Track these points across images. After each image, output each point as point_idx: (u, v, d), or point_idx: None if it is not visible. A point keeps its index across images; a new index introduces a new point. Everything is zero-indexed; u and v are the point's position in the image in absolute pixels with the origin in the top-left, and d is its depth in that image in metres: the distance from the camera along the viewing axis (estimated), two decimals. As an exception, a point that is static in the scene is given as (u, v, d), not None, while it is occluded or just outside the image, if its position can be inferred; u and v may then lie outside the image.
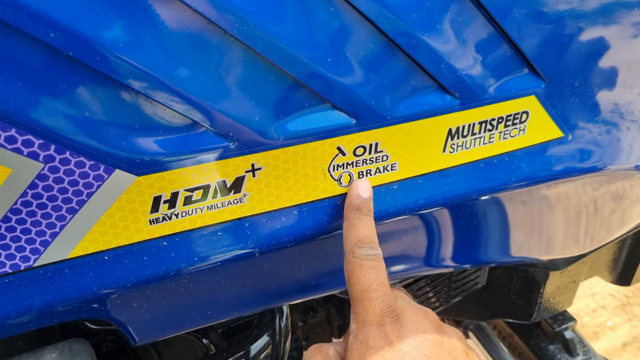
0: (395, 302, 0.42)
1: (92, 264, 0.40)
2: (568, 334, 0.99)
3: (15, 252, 0.37)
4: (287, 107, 0.41)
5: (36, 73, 0.32)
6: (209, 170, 0.40)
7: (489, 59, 0.46)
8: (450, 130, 0.48)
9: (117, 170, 0.37)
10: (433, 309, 0.84)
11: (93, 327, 0.61)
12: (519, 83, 0.49)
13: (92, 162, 0.36)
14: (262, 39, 0.37)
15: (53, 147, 0.34)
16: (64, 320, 0.42)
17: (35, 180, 0.35)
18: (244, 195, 0.43)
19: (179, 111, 0.37)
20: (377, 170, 0.47)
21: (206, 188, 0.41)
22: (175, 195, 0.40)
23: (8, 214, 0.35)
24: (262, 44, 0.37)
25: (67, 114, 0.34)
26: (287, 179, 0.44)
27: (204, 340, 0.74)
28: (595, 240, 0.73)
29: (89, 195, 0.37)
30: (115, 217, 0.39)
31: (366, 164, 0.46)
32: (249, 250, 0.45)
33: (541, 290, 0.82)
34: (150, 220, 0.40)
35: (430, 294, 0.82)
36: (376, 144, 0.45)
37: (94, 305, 0.42)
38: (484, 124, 0.49)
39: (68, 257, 0.39)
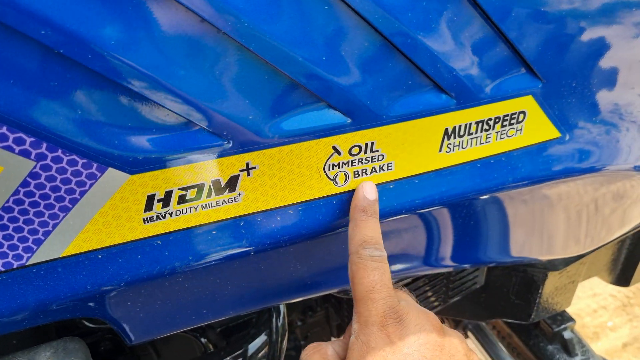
0: (398, 304, 0.42)
1: (85, 263, 0.40)
2: (567, 334, 0.99)
3: (7, 251, 0.37)
4: (281, 106, 0.41)
5: (27, 71, 0.32)
6: (203, 169, 0.40)
7: (486, 59, 0.46)
8: (446, 130, 0.48)
9: (110, 168, 0.37)
10: (431, 309, 0.84)
11: (91, 325, 0.61)
12: (516, 83, 0.48)
13: (84, 161, 0.36)
14: (256, 37, 0.36)
15: (45, 145, 0.34)
16: (58, 319, 0.42)
17: (27, 179, 0.35)
18: (239, 194, 0.42)
19: (172, 110, 0.37)
20: (373, 170, 0.47)
21: (200, 187, 0.41)
22: (169, 194, 0.40)
23: (0, 212, 0.35)
24: (257, 43, 0.37)
25: (59, 112, 0.34)
26: (282, 178, 0.43)
27: (202, 339, 0.74)
28: (596, 240, 0.73)
29: (82, 193, 0.37)
30: (109, 215, 0.38)
31: (362, 163, 0.46)
32: (243, 250, 0.44)
33: (540, 291, 0.82)
34: (144, 219, 0.40)
35: (429, 294, 0.82)
36: (372, 144, 0.45)
37: (88, 304, 0.42)
38: (480, 124, 0.49)
39: (61, 256, 0.39)
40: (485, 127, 0.49)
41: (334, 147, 0.44)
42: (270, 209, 0.44)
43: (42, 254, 0.38)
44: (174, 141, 0.38)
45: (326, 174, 0.45)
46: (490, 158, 0.51)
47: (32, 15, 0.30)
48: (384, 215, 0.49)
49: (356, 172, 0.46)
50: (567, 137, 0.55)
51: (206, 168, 0.40)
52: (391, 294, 0.42)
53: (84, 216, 0.38)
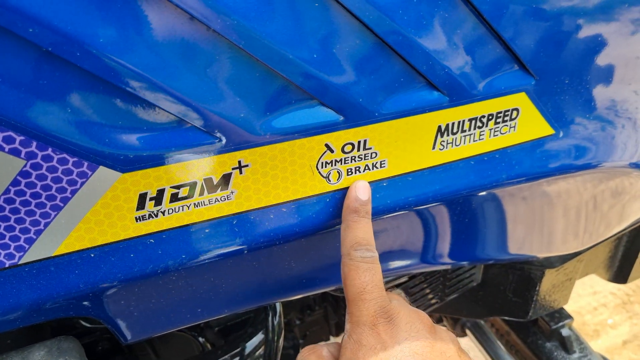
0: (389, 304, 0.43)
1: (78, 262, 0.40)
2: (565, 332, 0.99)
3: (-1, 250, 0.37)
4: (274, 104, 0.41)
5: (17, 69, 0.32)
6: (195, 167, 0.40)
7: (478, 56, 0.46)
8: (439, 127, 0.48)
9: (101, 167, 0.37)
10: (428, 306, 0.84)
11: (88, 325, 0.61)
12: (509, 80, 0.48)
13: (75, 159, 0.36)
14: (248, 35, 0.36)
15: (35, 143, 0.34)
16: (51, 318, 0.42)
17: (18, 177, 0.35)
18: (231, 192, 0.42)
19: (164, 108, 0.37)
20: (366, 168, 0.47)
21: (193, 185, 0.41)
22: (161, 193, 0.40)
23: (-9, 211, 0.35)
24: (249, 41, 0.37)
25: (49, 111, 0.34)
26: (275, 176, 0.43)
27: (200, 338, 0.74)
28: (594, 235, 0.73)
29: (73, 192, 0.37)
30: (101, 214, 0.38)
31: (355, 161, 0.46)
32: (237, 248, 0.44)
33: (537, 288, 0.82)
34: (136, 218, 0.40)
35: (426, 291, 0.82)
36: (365, 141, 0.45)
37: (82, 303, 0.42)
38: (473, 121, 0.49)
39: (53, 255, 0.39)
40: (479, 124, 0.49)
41: (326, 145, 0.44)
42: (264, 207, 0.44)
43: (34, 253, 0.38)
44: (165, 139, 0.38)
45: (319, 172, 0.45)
46: (484, 155, 0.51)
47: (20, 13, 0.30)
48: (377, 212, 0.49)
49: (349, 170, 0.46)
50: (561, 134, 0.54)
51: (198, 166, 0.40)
52: (382, 295, 0.43)
53: (75, 215, 0.38)
